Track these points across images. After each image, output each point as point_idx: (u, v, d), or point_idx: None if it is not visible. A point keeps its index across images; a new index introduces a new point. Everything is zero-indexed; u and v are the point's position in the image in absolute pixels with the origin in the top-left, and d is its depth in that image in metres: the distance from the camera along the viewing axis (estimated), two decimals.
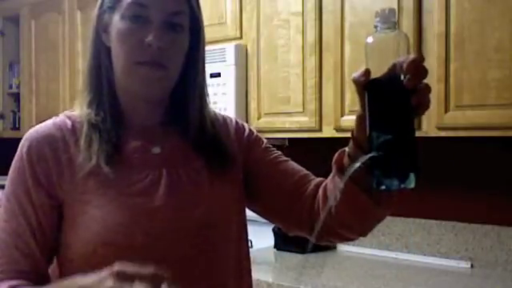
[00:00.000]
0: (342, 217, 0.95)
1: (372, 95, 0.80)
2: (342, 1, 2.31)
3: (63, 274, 0.97)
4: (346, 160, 0.90)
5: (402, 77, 0.77)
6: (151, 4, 0.94)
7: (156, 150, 1.00)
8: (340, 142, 0.96)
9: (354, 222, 0.97)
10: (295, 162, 1.12)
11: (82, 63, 3.42)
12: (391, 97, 0.79)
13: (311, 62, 2.41)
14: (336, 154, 0.92)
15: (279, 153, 1.12)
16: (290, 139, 2.75)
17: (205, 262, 0.98)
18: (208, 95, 1.06)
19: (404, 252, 2.52)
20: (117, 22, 0.97)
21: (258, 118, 2.60)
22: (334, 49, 2.34)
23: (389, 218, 2.87)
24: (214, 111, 1.10)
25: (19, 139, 0.99)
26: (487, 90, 1.96)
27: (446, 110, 2.04)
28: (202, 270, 0.97)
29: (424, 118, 2.12)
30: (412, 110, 0.79)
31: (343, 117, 2.32)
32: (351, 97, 2.29)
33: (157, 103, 1.03)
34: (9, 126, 3.96)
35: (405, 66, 0.76)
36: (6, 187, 0.97)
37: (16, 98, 3.96)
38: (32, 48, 3.72)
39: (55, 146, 0.96)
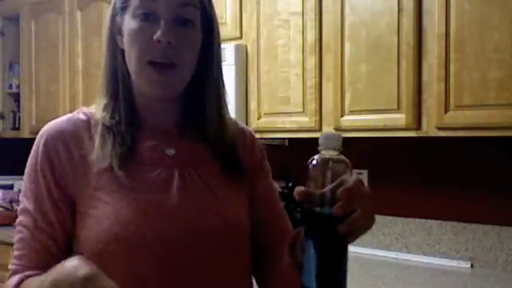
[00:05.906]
0: None
1: (302, 217, 0.78)
2: (342, 1, 2.31)
3: None
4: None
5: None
6: None
7: (170, 151, 0.99)
8: None
9: None
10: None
11: (82, 63, 3.42)
12: (317, 223, 0.76)
13: (311, 62, 2.41)
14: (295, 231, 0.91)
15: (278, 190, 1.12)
16: (289, 139, 2.75)
17: (215, 266, 0.96)
18: (225, 94, 1.05)
19: (404, 252, 2.52)
20: (128, 22, 0.95)
21: (258, 118, 2.60)
22: (334, 49, 2.34)
23: (389, 218, 2.84)
24: (234, 119, 1.10)
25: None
26: (487, 90, 1.96)
27: (446, 110, 2.05)
28: (212, 275, 0.96)
29: (424, 118, 2.12)
30: (342, 238, 0.75)
31: (343, 117, 2.32)
32: (351, 97, 2.29)
33: (171, 103, 1.01)
34: (9, 126, 3.93)
35: (338, 192, 0.73)
36: (24, 183, 0.97)
37: (16, 98, 3.95)
38: (32, 48, 3.71)
39: (68, 142, 0.96)
